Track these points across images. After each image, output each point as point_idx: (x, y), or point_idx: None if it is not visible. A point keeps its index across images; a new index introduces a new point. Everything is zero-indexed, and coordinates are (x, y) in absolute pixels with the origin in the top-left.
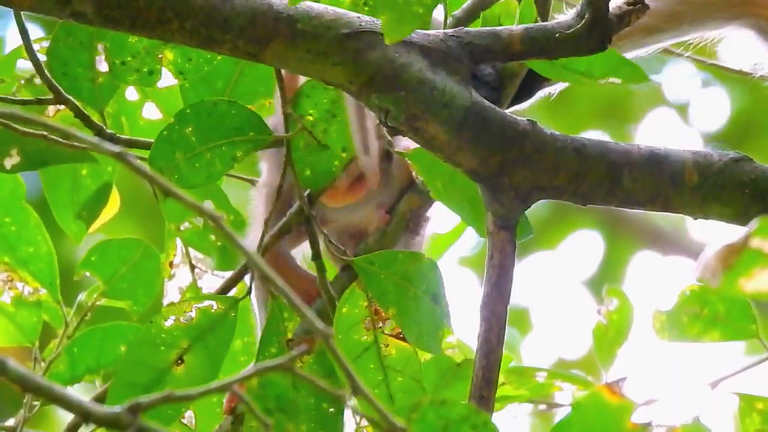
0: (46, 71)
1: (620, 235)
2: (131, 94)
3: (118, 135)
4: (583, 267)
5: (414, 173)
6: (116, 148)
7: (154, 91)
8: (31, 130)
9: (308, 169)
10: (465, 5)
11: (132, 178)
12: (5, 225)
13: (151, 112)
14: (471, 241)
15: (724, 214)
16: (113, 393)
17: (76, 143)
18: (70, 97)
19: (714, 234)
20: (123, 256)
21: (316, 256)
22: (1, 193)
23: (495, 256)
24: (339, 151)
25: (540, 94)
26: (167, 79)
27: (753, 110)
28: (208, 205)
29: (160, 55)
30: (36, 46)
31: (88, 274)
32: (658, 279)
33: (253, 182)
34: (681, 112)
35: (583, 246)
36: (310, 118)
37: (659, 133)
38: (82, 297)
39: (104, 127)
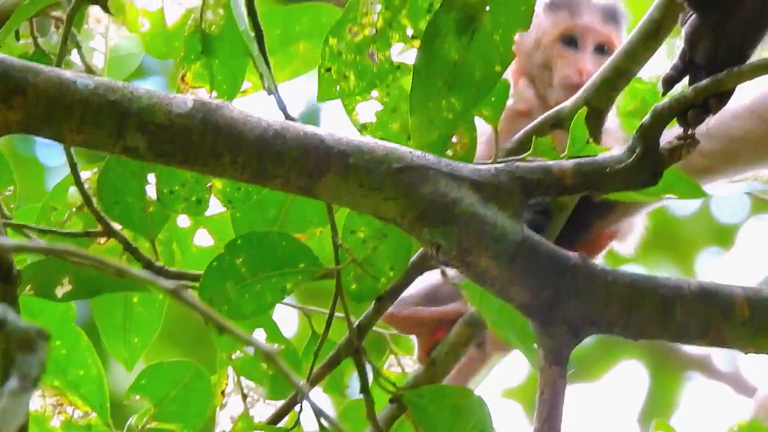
0: (94, 202)
1: (667, 364)
2: (183, 221)
3: (167, 268)
4: (631, 399)
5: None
6: (171, 284)
7: (207, 218)
8: (83, 261)
9: (354, 283)
10: (516, 137)
11: (178, 306)
12: (56, 348)
13: (203, 238)
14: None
15: None
16: None
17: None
18: (119, 229)
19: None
20: (173, 378)
21: (364, 389)
22: (52, 316)
23: (546, 392)
24: (387, 270)
25: None
26: (219, 206)
27: None
28: (260, 334)
29: (208, 184)
30: (87, 173)
31: (137, 397)
32: (707, 408)
33: (302, 310)
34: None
35: (630, 377)
36: (361, 235)
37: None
38: (132, 421)
39: (152, 260)
